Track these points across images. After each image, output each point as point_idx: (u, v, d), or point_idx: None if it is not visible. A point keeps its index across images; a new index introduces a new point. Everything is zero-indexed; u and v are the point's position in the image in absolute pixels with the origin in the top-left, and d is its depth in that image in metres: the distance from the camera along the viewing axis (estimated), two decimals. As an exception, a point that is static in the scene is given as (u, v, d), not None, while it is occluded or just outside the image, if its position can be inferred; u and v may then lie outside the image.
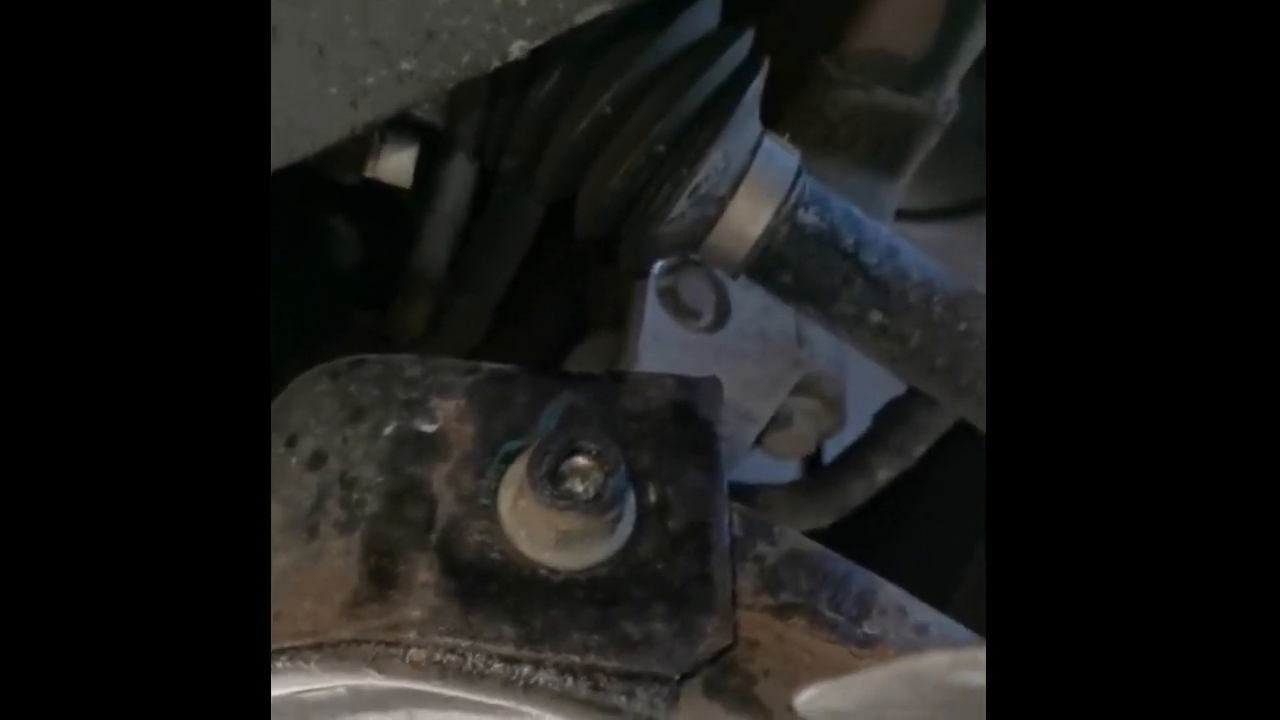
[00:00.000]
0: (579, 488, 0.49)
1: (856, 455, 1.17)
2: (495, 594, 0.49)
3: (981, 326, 0.76)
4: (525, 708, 0.49)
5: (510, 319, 1.25)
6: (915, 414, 1.11)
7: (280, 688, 0.50)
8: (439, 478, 0.52)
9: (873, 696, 0.40)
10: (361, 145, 0.69)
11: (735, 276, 0.74)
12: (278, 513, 0.53)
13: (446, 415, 0.54)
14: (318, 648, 0.49)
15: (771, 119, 0.72)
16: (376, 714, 0.52)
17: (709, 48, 0.67)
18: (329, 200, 1.26)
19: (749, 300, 1.00)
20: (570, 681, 0.48)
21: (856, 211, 0.75)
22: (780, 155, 0.71)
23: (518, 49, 0.51)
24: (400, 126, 0.69)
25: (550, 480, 0.49)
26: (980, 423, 0.82)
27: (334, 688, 0.51)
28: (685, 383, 0.56)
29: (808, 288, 0.74)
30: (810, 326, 0.98)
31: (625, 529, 0.51)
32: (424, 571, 0.50)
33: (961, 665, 0.37)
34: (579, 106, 0.65)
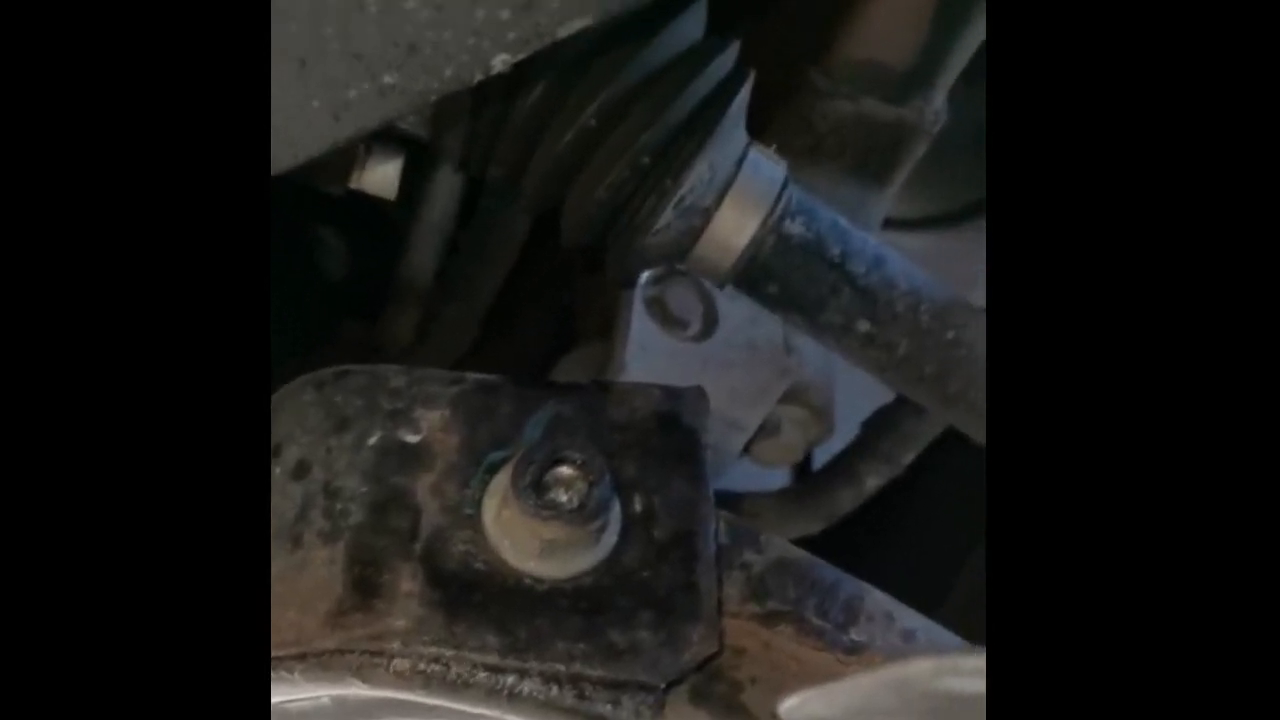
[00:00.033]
0: (563, 497, 0.49)
1: (845, 463, 1.17)
2: (479, 603, 0.49)
3: (969, 335, 0.76)
4: (510, 717, 0.49)
5: (498, 329, 1.25)
6: (904, 422, 1.11)
7: (265, 698, 0.50)
8: (423, 488, 0.52)
9: (858, 703, 0.40)
10: (347, 157, 0.69)
11: (722, 287, 0.74)
12: (262, 522, 0.53)
13: (431, 425, 0.54)
14: (302, 658, 0.49)
15: (759, 129, 0.72)
16: (361, 724, 0.52)
17: (694, 59, 0.67)
18: (317, 211, 1.26)
19: (736, 309, 1.00)
20: (555, 690, 0.48)
21: (843, 221, 0.75)
22: (766, 166, 0.71)
23: (500, 63, 0.51)
24: (385, 138, 0.69)
25: (534, 490, 0.49)
26: (969, 430, 0.82)
27: (318, 698, 0.51)
28: (670, 392, 0.56)
29: (794, 298, 0.74)
30: (798, 335, 0.98)
31: (610, 538, 0.51)
32: (408, 581, 0.50)
33: (947, 672, 0.37)
34: (564, 118, 0.65)
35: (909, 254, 0.79)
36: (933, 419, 1.06)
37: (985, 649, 0.36)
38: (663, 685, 0.48)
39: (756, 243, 0.70)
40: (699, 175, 0.67)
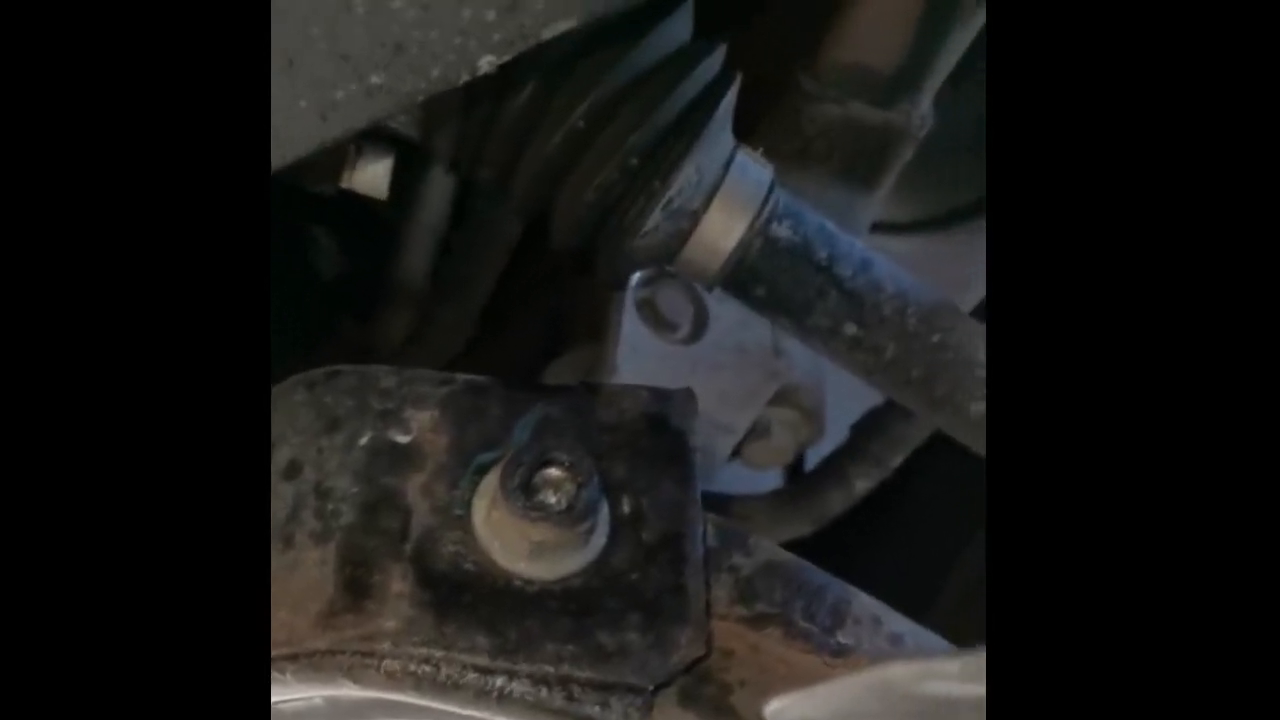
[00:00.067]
0: (552, 499, 0.49)
1: (835, 465, 1.17)
2: (469, 604, 0.49)
3: (955, 338, 0.77)
4: (499, 718, 0.49)
5: (491, 330, 1.25)
6: (893, 425, 1.11)
7: (256, 699, 0.50)
8: (413, 488, 0.53)
9: (841, 706, 0.41)
10: (337, 157, 0.69)
11: (710, 289, 0.74)
12: (253, 523, 0.53)
13: (421, 426, 0.54)
14: (293, 658, 0.49)
15: (746, 133, 0.73)
16: (353, 725, 0.53)
17: (682, 62, 0.67)
18: (310, 213, 1.26)
19: (727, 312, 1.00)
20: (544, 692, 0.48)
21: (830, 225, 0.75)
22: (753, 169, 0.71)
23: (486, 63, 0.51)
24: (376, 139, 0.69)
25: (523, 491, 0.49)
26: (956, 434, 0.83)
27: (311, 698, 0.51)
28: (659, 394, 0.56)
29: (782, 301, 0.74)
30: (788, 338, 0.99)
31: (599, 540, 0.51)
32: (398, 582, 0.50)
33: (928, 675, 0.37)
34: (553, 120, 0.65)
35: (899, 258, 0.79)
36: (921, 422, 1.06)
37: (969, 652, 0.36)
38: (651, 687, 0.48)
39: (744, 245, 0.70)
40: (686, 178, 0.67)
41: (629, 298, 0.97)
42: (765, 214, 0.70)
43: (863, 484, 1.14)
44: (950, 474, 1.05)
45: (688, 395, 0.57)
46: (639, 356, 0.95)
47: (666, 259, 0.70)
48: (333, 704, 0.51)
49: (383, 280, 1.20)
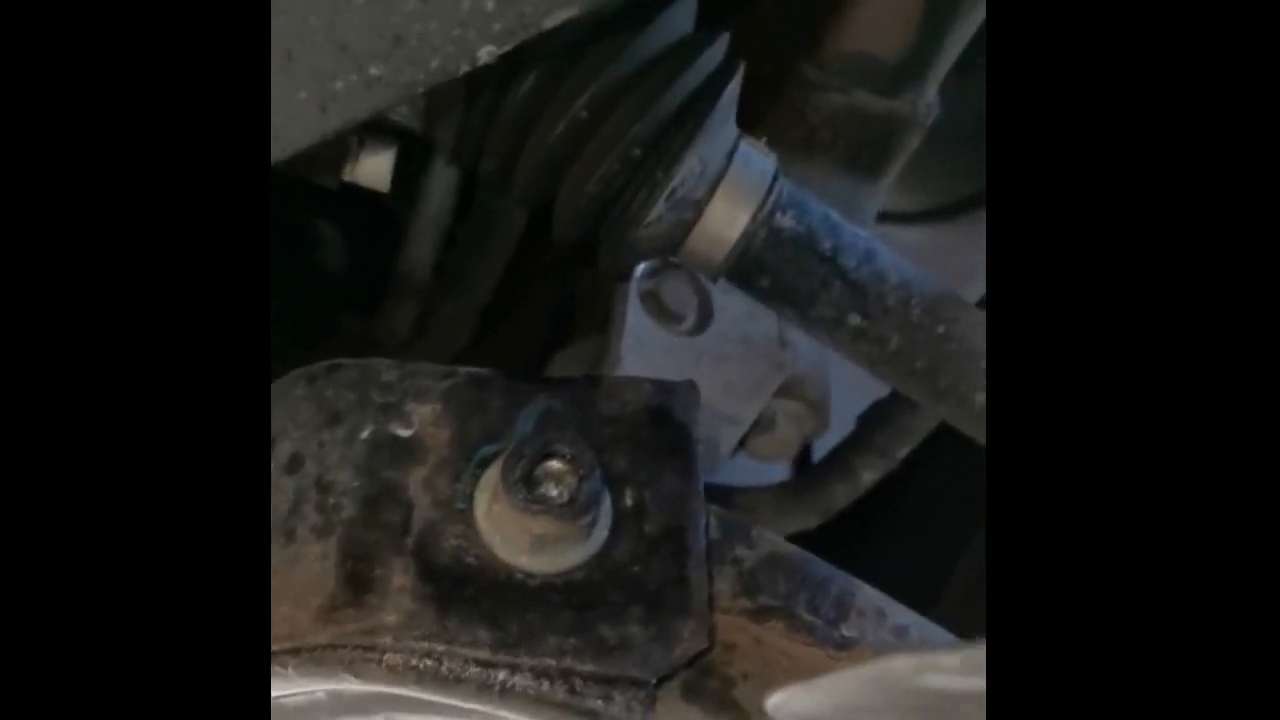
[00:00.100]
0: (553, 492, 0.49)
1: (840, 457, 1.17)
2: (471, 598, 0.49)
3: (960, 329, 0.76)
4: (501, 712, 0.49)
5: (496, 322, 1.25)
6: (898, 416, 1.10)
7: (258, 693, 0.50)
8: (415, 482, 0.53)
9: (842, 699, 0.40)
10: (340, 150, 0.69)
11: (714, 280, 0.74)
12: (254, 517, 0.53)
13: (422, 420, 0.54)
14: (295, 652, 0.49)
15: (751, 123, 0.72)
16: (356, 718, 0.52)
17: (685, 51, 0.67)
18: (314, 205, 1.26)
19: (732, 303, 1.00)
20: (546, 685, 0.48)
21: (834, 215, 0.75)
22: (757, 159, 0.71)
23: (486, 54, 0.51)
24: (378, 130, 0.69)
25: (525, 484, 0.49)
26: (960, 425, 0.82)
27: (313, 692, 0.51)
28: (662, 386, 0.56)
29: (786, 291, 0.74)
30: (793, 329, 0.98)
31: (601, 533, 0.51)
32: (400, 576, 0.50)
33: (928, 668, 0.36)
34: (555, 110, 0.65)
35: (905, 248, 0.79)
36: (927, 413, 1.06)
37: (969, 645, 0.36)
38: (654, 680, 0.48)
39: (748, 236, 0.70)
40: (690, 168, 0.67)
41: (633, 289, 0.97)
42: (769, 204, 0.70)
43: (868, 476, 1.14)
44: (956, 466, 1.05)
45: (690, 387, 0.56)
46: (644, 348, 0.95)
47: (670, 250, 0.70)
48: (335, 698, 0.51)
49: (387, 273, 1.20)
